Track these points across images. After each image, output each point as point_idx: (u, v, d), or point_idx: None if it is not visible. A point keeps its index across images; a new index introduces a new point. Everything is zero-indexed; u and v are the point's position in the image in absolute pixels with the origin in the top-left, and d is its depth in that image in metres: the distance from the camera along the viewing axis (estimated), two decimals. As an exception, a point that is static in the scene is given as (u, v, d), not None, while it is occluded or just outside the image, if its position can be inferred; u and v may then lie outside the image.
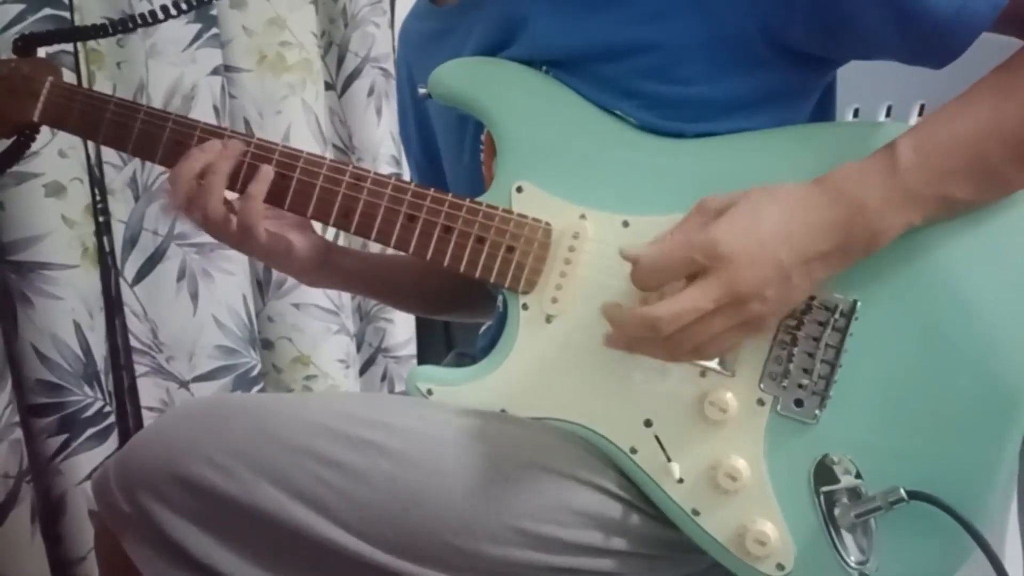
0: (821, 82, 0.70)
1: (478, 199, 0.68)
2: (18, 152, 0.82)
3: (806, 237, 0.57)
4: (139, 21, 0.77)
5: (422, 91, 0.71)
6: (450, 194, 0.68)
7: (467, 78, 0.69)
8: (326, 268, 0.80)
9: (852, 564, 0.60)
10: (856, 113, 0.92)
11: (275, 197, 0.71)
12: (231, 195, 0.72)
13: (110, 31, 0.79)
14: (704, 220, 0.58)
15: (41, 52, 0.81)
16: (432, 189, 0.69)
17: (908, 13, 0.58)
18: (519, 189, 0.68)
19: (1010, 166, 0.57)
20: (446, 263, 0.68)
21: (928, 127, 0.58)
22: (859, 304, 0.61)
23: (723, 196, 0.59)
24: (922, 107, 0.87)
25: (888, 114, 0.90)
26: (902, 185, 0.57)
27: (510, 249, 0.67)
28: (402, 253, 0.70)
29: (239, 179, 0.71)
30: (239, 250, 0.76)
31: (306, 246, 0.77)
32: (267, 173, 0.70)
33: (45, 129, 0.99)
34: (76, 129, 0.78)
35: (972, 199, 0.58)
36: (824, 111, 0.73)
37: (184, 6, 0.77)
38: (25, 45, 0.79)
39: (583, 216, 0.66)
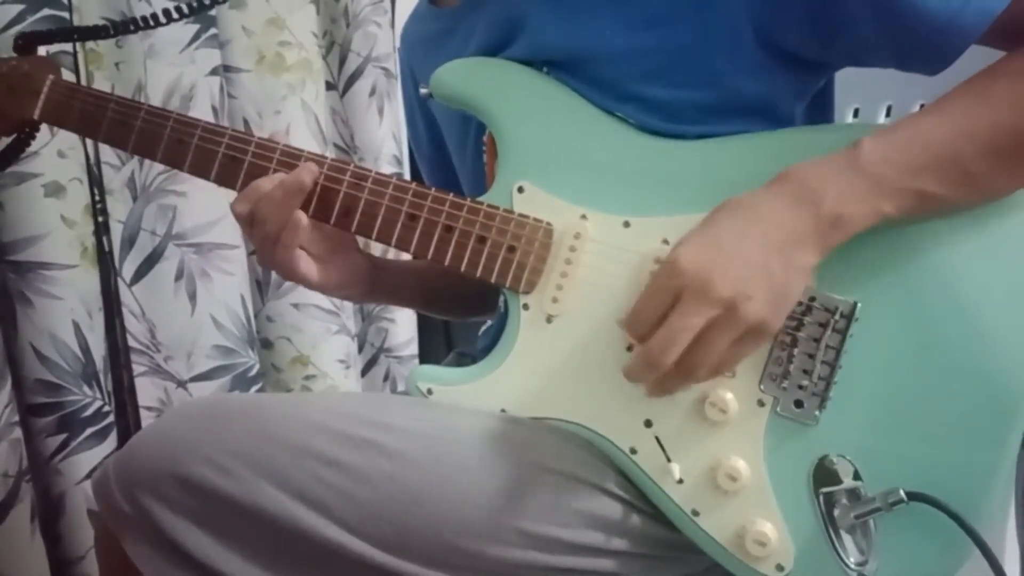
0: (816, 85, 0.70)
1: (479, 199, 0.68)
2: (18, 150, 0.82)
3: (766, 225, 0.57)
4: (141, 24, 0.77)
5: (424, 91, 0.71)
6: (451, 194, 0.68)
7: (468, 78, 0.69)
8: (373, 292, 0.80)
9: (851, 565, 0.60)
10: (856, 113, 0.92)
11: None
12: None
13: (111, 32, 0.79)
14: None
15: (41, 52, 0.81)
16: (433, 189, 0.69)
17: (900, 21, 0.58)
18: (520, 189, 0.68)
19: (984, 166, 0.57)
20: (447, 263, 0.68)
21: (897, 125, 0.59)
22: (859, 306, 0.61)
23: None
24: (921, 107, 0.88)
25: (888, 114, 0.90)
26: (862, 174, 0.57)
27: (511, 249, 0.67)
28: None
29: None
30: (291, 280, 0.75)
31: (354, 276, 0.76)
32: (300, 218, 0.69)
33: (45, 129, 0.99)
34: (76, 127, 0.77)
35: (949, 196, 0.58)
36: (823, 112, 0.74)
37: (185, 10, 0.77)
38: (26, 43, 0.79)
39: (584, 216, 0.66)
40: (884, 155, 0.57)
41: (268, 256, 0.71)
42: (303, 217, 0.68)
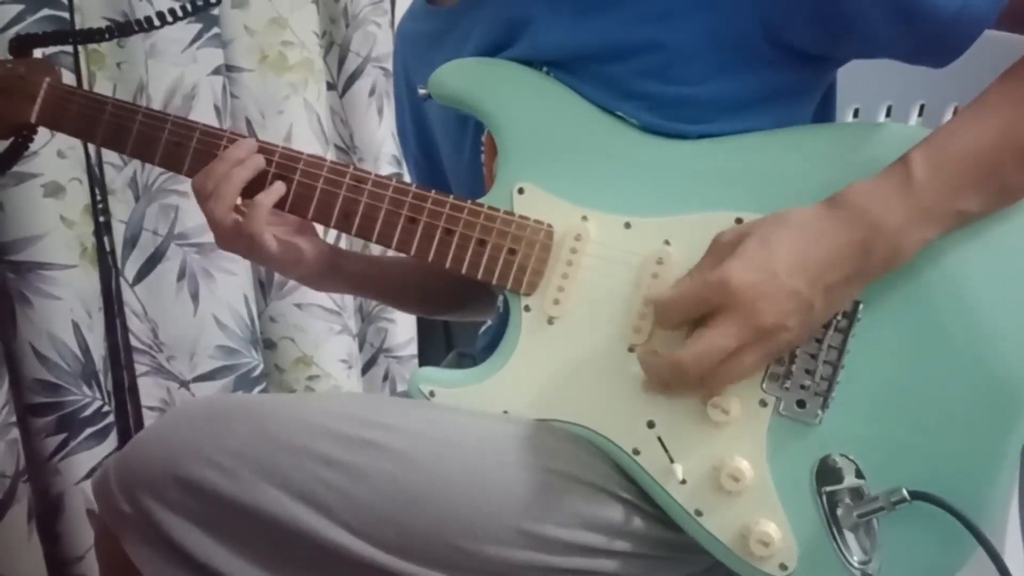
0: (823, 82, 0.70)
1: (479, 201, 0.68)
2: (16, 153, 0.81)
3: (823, 262, 0.56)
4: (136, 28, 0.77)
5: (422, 92, 0.71)
6: (451, 196, 0.68)
7: (468, 78, 0.69)
8: (332, 273, 0.80)
9: (855, 564, 0.60)
10: (856, 113, 0.92)
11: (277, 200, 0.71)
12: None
13: (107, 35, 0.79)
14: (718, 258, 0.58)
15: (41, 52, 0.81)
16: (433, 191, 0.69)
17: (910, 12, 0.58)
18: (520, 191, 0.68)
19: (1020, 177, 0.57)
20: (448, 265, 0.68)
21: (941, 140, 0.58)
22: (861, 305, 0.61)
23: (735, 230, 0.59)
24: (922, 107, 0.87)
25: (888, 114, 0.90)
26: (918, 202, 0.56)
27: (512, 251, 0.67)
28: (404, 255, 0.70)
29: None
30: (248, 258, 0.76)
31: (312, 253, 0.76)
32: (278, 187, 0.70)
33: (44, 129, 0.99)
34: (74, 130, 0.77)
35: (984, 211, 0.58)
36: (825, 111, 0.73)
37: (180, 13, 0.76)
38: (21, 46, 0.79)
39: (585, 217, 0.66)
40: (937, 178, 0.56)
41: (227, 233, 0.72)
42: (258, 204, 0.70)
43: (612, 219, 0.66)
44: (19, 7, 1.03)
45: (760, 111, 0.65)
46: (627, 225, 0.65)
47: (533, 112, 0.68)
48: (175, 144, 0.72)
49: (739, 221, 0.62)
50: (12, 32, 1.02)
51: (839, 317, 0.61)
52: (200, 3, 0.78)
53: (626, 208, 0.66)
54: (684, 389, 0.59)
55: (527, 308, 0.67)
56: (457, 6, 0.75)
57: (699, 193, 0.64)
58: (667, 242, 0.64)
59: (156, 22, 0.77)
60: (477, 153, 0.76)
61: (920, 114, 0.88)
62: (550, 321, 0.66)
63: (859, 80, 0.75)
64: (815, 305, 0.57)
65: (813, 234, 0.57)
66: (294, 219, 0.74)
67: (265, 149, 0.71)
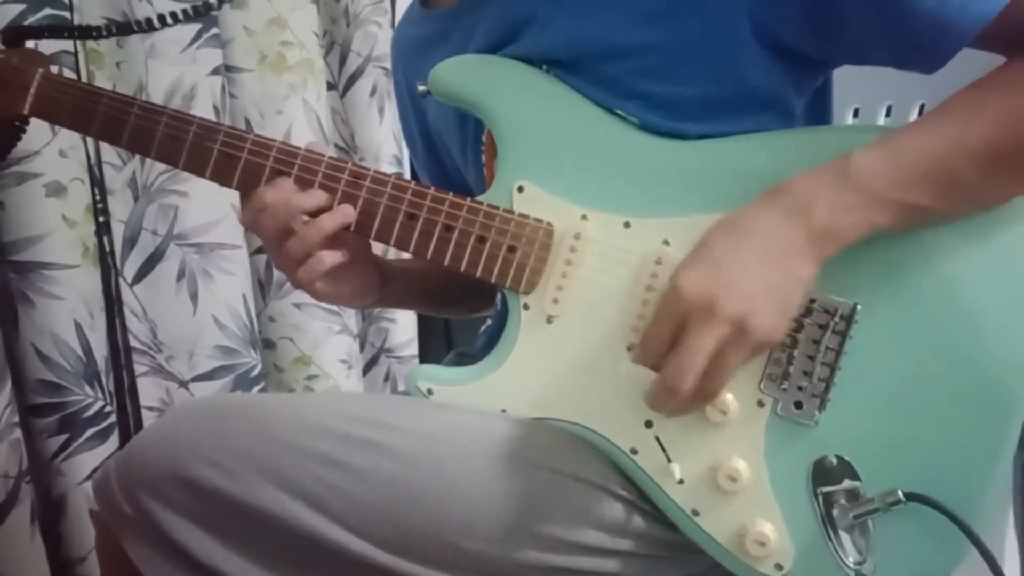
0: (816, 82, 0.70)
1: (479, 198, 0.68)
2: (8, 145, 0.79)
3: (764, 241, 0.57)
4: (135, 28, 0.77)
5: (421, 88, 0.71)
6: (451, 193, 0.68)
7: (468, 75, 0.69)
8: (382, 301, 0.81)
9: (850, 564, 0.60)
10: (856, 113, 0.92)
11: None
12: None
13: (94, 34, 0.78)
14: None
15: (35, 48, 0.80)
16: (432, 188, 0.69)
17: (896, 19, 0.58)
18: (520, 189, 0.68)
19: (981, 178, 0.57)
20: (446, 262, 0.68)
21: (890, 137, 0.59)
22: (859, 308, 0.61)
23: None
24: (922, 107, 0.88)
25: (888, 114, 0.90)
26: (854, 187, 0.57)
27: (511, 249, 0.67)
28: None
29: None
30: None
31: (366, 287, 0.77)
32: (345, 210, 0.69)
33: (46, 129, 0.99)
34: (68, 122, 0.76)
35: (943, 208, 0.58)
36: (821, 112, 0.73)
37: (181, 16, 0.76)
38: (13, 37, 0.77)
39: (584, 217, 0.66)
40: (875, 168, 0.57)
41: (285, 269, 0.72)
42: (327, 257, 0.69)
43: (612, 218, 0.66)
44: (21, 6, 1.03)
45: (758, 112, 0.66)
46: (627, 225, 0.65)
47: (533, 110, 0.68)
48: (171, 137, 0.72)
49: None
50: (12, 32, 1.02)
51: (836, 319, 0.61)
52: (203, 4, 0.77)
53: (626, 208, 0.66)
54: (688, 403, 0.59)
55: (526, 307, 0.67)
56: (454, 8, 0.75)
57: (699, 194, 0.64)
58: (666, 242, 0.64)
59: (156, 24, 0.76)
60: (478, 152, 0.76)
61: (919, 114, 0.88)
62: (549, 320, 0.66)
63: (859, 80, 0.75)
64: (773, 280, 0.57)
65: (747, 224, 0.58)
66: (351, 242, 0.72)
67: (261, 144, 0.70)
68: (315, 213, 0.69)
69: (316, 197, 0.69)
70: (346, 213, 0.69)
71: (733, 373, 0.58)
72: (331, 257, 0.69)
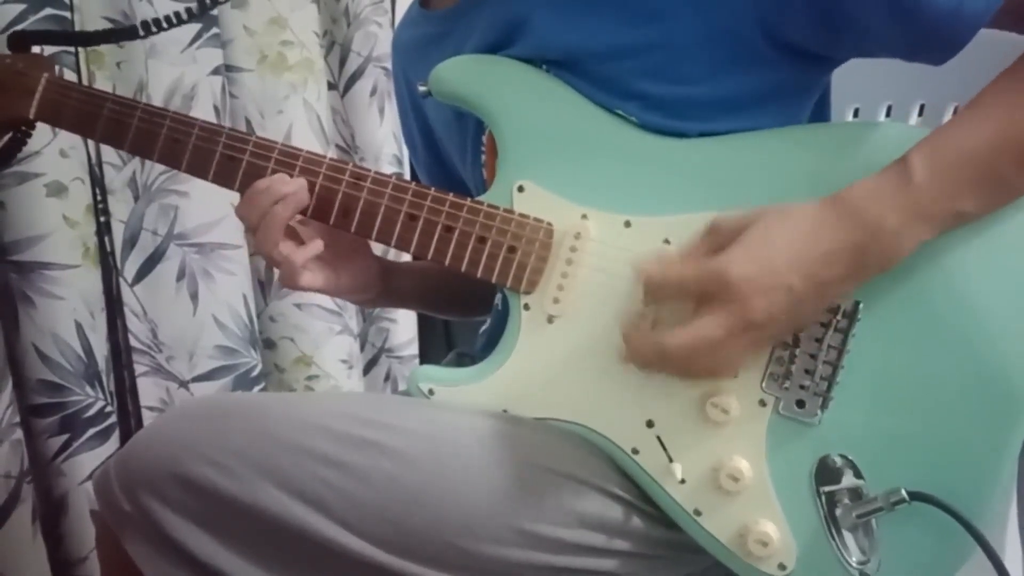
0: (821, 80, 0.70)
1: (479, 199, 0.68)
2: (14, 150, 0.80)
3: (819, 262, 0.57)
4: (142, 32, 0.77)
5: (422, 88, 0.71)
6: (451, 193, 0.68)
7: (468, 75, 0.69)
8: (382, 297, 0.82)
9: (853, 564, 0.60)
10: (856, 113, 0.91)
11: None
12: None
13: (109, 38, 0.79)
14: (716, 243, 0.58)
15: (41, 51, 0.80)
16: (433, 188, 0.69)
17: (907, 9, 0.58)
18: (520, 188, 0.68)
19: (1018, 177, 0.57)
20: (447, 263, 0.68)
21: (940, 140, 0.58)
22: (861, 305, 0.61)
23: (735, 218, 0.59)
24: (922, 107, 0.87)
25: (888, 114, 0.90)
26: (916, 204, 0.56)
27: (511, 249, 0.67)
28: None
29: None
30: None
31: (366, 281, 0.78)
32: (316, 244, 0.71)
33: (46, 129, 0.99)
34: (72, 126, 0.76)
35: (982, 211, 0.58)
36: (820, 110, 0.73)
37: (185, 16, 0.76)
38: (19, 41, 0.78)
39: (585, 216, 0.66)
40: (935, 179, 0.56)
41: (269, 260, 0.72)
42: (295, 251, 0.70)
43: (612, 218, 0.66)
44: (21, 6, 1.03)
45: (759, 110, 0.65)
46: (627, 224, 0.65)
47: (533, 110, 0.68)
48: (174, 140, 0.72)
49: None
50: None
51: (839, 317, 0.61)
52: (209, 2, 0.77)
53: (626, 207, 0.65)
54: (664, 372, 0.59)
55: (527, 307, 0.67)
56: (454, 9, 0.75)
57: (699, 192, 0.64)
58: (667, 241, 0.64)
59: (164, 25, 0.76)
60: (478, 152, 0.76)
61: (920, 114, 0.88)
62: (550, 320, 0.66)
63: (859, 80, 0.75)
64: (805, 303, 0.57)
65: (813, 231, 0.57)
66: (350, 244, 0.73)
67: (263, 147, 0.71)
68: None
69: (296, 183, 0.69)
70: (300, 199, 0.69)
71: (723, 362, 0.58)
72: (294, 251, 0.70)
